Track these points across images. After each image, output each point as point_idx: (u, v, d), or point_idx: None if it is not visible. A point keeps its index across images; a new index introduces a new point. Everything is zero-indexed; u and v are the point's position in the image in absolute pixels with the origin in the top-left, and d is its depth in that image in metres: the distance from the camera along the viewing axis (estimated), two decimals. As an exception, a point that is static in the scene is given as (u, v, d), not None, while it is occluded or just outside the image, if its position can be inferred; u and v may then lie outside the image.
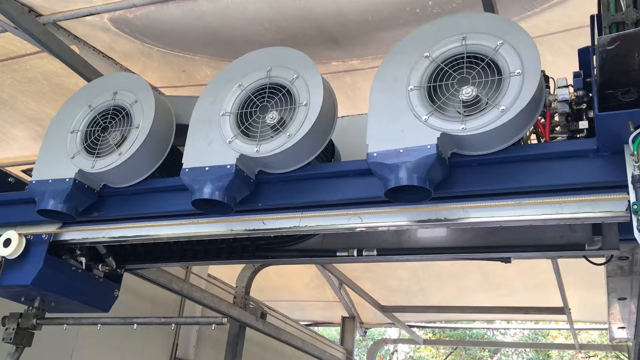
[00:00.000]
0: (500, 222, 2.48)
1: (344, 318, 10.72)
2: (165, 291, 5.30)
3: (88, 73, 4.76)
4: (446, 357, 18.53)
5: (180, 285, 5.27)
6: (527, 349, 17.88)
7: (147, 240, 3.05)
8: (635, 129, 2.07)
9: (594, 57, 2.15)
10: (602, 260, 3.03)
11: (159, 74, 5.91)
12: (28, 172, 7.33)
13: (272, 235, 3.08)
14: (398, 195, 2.40)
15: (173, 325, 3.23)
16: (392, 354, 18.11)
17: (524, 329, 15.51)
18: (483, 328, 15.41)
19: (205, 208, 2.69)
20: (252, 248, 3.37)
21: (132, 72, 5.71)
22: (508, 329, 16.66)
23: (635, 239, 1.99)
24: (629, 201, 2.06)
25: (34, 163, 7.37)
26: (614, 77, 2.05)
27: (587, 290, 8.19)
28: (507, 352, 18.12)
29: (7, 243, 3.09)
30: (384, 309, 9.57)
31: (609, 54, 1.95)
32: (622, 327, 4.70)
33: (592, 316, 9.92)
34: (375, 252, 3.08)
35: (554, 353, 17.82)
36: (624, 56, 2.00)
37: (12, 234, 3.11)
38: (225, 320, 2.92)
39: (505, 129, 2.28)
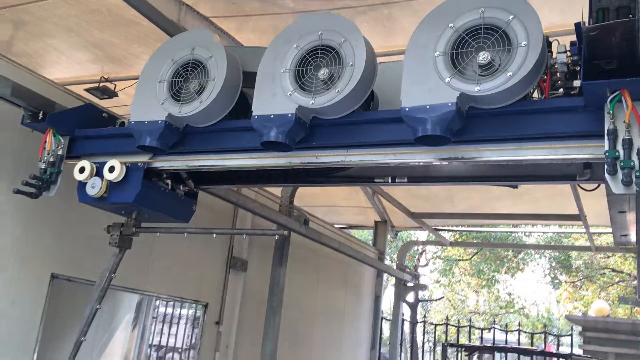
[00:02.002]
0: (506, 161, 3.14)
1: (376, 222, 11.64)
2: (222, 201, 6.15)
3: (144, 9, 5.40)
4: (471, 257, 19.67)
5: (236, 197, 6.10)
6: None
7: (222, 169, 3.81)
8: (612, 93, 2.66)
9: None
10: (593, 186, 3.69)
11: (210, 5, 6.46)
12: (90, 90, 8.12)
13: (322, 165, 3.78)
14: (424, 140, 3.06)
15: (245, 235, 4.02)
16: (421, 253, 19.28)
17: (545, 232, 16.31)
18: (506, 232, 16.30)
19: (271, 146, 3.39)
20: (304, 174, 4.12)
21: (187, 5, 6.30)
22: (531, 232, 17.52)
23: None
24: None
25: (95, 82, 8.11)
26: (597, 52, 2.62)
27: (603, 198, 8.82)
28: (530, 251, 19.11)
29: (111, 169, 3.88)
30: (413, 216, 10.39)
31: (593, 38, 2.52)
32: (625, 235, 5.42)
33: (607, 222, 10.58)
34: (406, 180, 3.79)
35: (573, 253, 18.79)
36: (604, 38, 2.56)
37: (115, 162, 3.89)
38: (286, 232, 3.71)
39: (512, 90, 2.88)
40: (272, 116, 3.30)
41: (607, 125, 2.71)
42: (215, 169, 3.84)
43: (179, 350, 8.15)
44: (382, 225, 11.60)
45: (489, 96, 2.90)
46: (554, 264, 19.88)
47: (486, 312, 22.09)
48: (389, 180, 3.82)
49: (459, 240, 15.84)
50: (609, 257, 18.56)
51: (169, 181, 4.14)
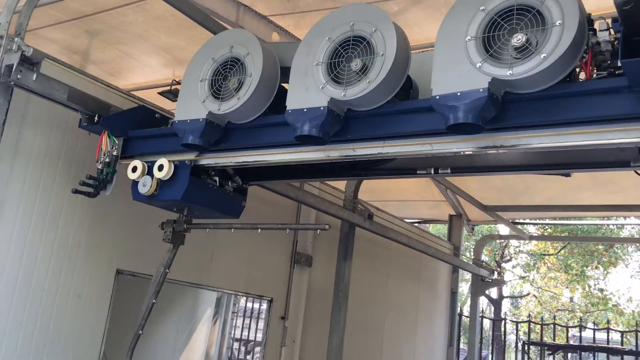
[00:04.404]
0: (547, 147, 2.95)
1: (451, 216, 11.35)
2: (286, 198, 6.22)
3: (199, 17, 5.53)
4: (558, 251, 18.73)
5: (295, 193, 6.15)
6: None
7: (262, 164, 3.85)
8: (656, 70, 2.44)
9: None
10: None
11: (267, 4, 6.54)
12: (162, 94, 8.44)
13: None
14: (457, 128, 2.93)
15: (287, 230, 4.04)
16: (503, 248, 18.60)
17: (635, 224, 15.25)
18: (595, 224, 15.37)
19: (306, 141, 3.38)
20: (348, 167, 4.08)
21: (245, 5, 6.41)
22: (624, 224, 16.44)
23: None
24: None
25: (166, 86, 8.43)
26: (635, 28, 2.40)
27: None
28: (623, 244, 17.90)
29: (160, 168, 4.02)
30: (486, 209, 10.04)
31: (627, 13, 2.31)
32: None
33: None
34: (449, 170, 3.66)
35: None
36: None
37: (163, 160, 4.03)
38: (327, 226, 3.69)
39: (547, 72, 2.70)
40: (305, 110, 3.29)
41: (654, 105, 2.49)
42: (256, 164, 3.88)
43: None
44: (457, 219, 11.29)
45: (523, 80, 2.74)
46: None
47: (575, 309, 20.99)
48: (432, 172, 3.70)
49: (544, 234, 15.14)
50: None
51: (216, 178, 4.23)
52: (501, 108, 2.90)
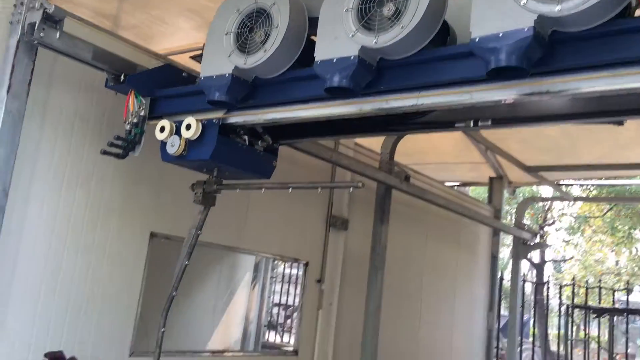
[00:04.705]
0: (599, 92, 2.69)
1: (491, 178, 11.02)
2: (321, 160, 6.07)
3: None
4: (604, 213, 18.11)
5: (329, 154, 5.99)
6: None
7: (292, 121, 3.69)
8: None
9: None
10: None
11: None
12: (194, 57, 8.34)
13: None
14: (501, 73, 2.70)
15: (319, 188, 3.90)
16: (546, 211, 18.10)
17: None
18: (643, 185, 14.74)
19: (336, 93, 3.20)
20: (382, 123, 3.88)
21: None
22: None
23: None
24: None
25: (198, 49, 8.32)
26: None
27: None
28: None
29: (188, 127, 3.91)
30: (529, 170, 9.69)
31: None
32: None
33: None
34: (489, 122, 3.42)
35: None
36: None
37: (191, 119, 3.91)
38: (360, 184, 3.52)
39: (601, 6, 2.43)
40: (334, 60, 3.10)
41: None
42: (286, 121, 3.72)
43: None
44: (498, 181, 10.95)
45: (574, 16, 2.47)
46: None
47: (622, 272, 20.39)
48: (471, 124, 3.47)
49: (589, 195, 14.63)
50: None
51: (245, 137, 4.10)
52: (548, 49, 2.65)
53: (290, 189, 3.88)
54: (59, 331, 4.35)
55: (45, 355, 3.70)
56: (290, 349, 6.84)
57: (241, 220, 5.95)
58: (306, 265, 6.77)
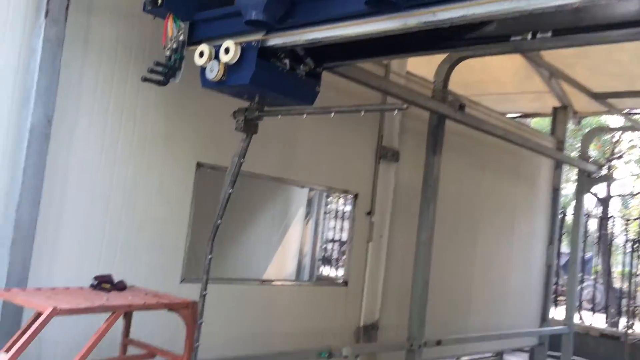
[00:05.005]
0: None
1: (555, 108, 10.46)
2: (370, 89, 5.83)
3: None
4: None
5: (378, 82, 5.74)
6: None
7: (333, 40, 3.46)
8: None
9: None
10: None
11: None
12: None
13: (446, 27, 3.25)
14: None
15: (363, 112, 3.71)
16: (615, 143, 17.13)
17: None
18: None
19: (377, 5, 2.96)
20: (430, 41, 3.60)
21: None
22: None
23: None
24: None
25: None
26: None
27: None
28: None
29: (227, 51, 3.76)
30: (596, 97, 9.10)
31: None
32: None
33: None
34: (549, 34, 3.10)
35: None
36: None
37: (229, 42, 3.75)
38: (405, 105, 3.32)
39: None
40: (376, -31, 2.85)
41: None
42: (326, 41, 3.50)
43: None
44: (562, 111, 10.37)
45: None
46: None
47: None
48: (529, 37, 3.15)
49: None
50: None
51: (286, 61, 3.91)
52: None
53: (333, 114, 3.70)
54: (110, 259, 4.44)
55: (95, 277, 3.78)
56: (341, 280, 6.85)
57: (289, 151, 5.85)
58: (355, 197, 6.66)
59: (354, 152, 6.57)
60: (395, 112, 3.22)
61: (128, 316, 4.00)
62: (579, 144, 11.98)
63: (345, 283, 6.61)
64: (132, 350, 4.04)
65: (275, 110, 4.15)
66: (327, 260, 10.67)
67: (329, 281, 8.23)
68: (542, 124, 16.13)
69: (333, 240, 12.62)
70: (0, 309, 3.57)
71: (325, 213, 12.30)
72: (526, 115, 11.96)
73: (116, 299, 3.50)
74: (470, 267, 8.49)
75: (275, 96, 4.02)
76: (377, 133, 6.79)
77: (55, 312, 2.94)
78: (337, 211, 12.26)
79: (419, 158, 7.04)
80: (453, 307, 8.16)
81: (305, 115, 3.94)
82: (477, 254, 8.62)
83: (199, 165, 5.02)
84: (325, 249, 12.50)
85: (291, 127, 5.77)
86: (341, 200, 8.71)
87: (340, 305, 6.48)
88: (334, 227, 11.87)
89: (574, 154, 11.82)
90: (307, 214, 10.66)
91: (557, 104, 10.33)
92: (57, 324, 4.02)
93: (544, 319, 10.20)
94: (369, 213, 6.73)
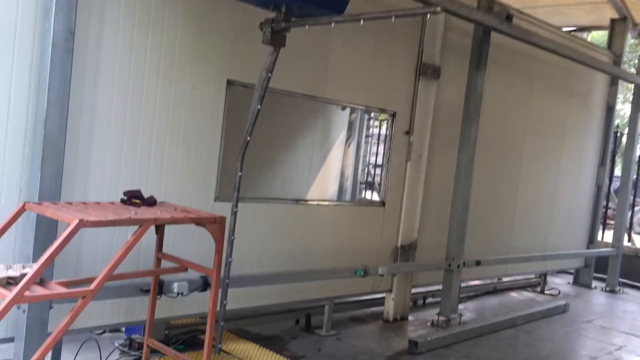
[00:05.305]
0: None
1: (612, 20, 9.76)
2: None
3: None
4: None
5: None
6: None
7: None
8: None
9: None
10: None
11: None
12: None
13: None
14: None
15: (393, 18, 3.48)
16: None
17: None
18: None
19: None
20: None
21: None
22: None
23: None
24: None
25: None
26: None
27: None
28: None
29: (248, -43, 3.56)
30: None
31: None
32: None
33: None
34: None
35: None
36: None
37: (251, -52, 3.55)
38: (438, 8, 3.07)
39: None
40: None
41: None
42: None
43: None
44: (620, 23, 9.67)
45: None
46: None
47: None
48: None
49: None
50: None
51: (314, -35, 3.70)
52: None
53: (362, 21, 3.50)
54: (144, 176, 4.46)
55: (125, 193, 3.81)
56: (378, 200, 6.78)
57: (322, 68, 5.65)
58: (393, 116, 6.46)
59: (392, 69, 6.31)
60: (428, 16, 3.00)
61: (161, 231, 4.05)
62: (639, 59, 11.22)
63: (383, 203, 6.53)
64: (165, 264, 4.12)
65: (302, 21, 3.96)
66: (369, 185, 10.60)
67: (366, 201, 8.20)
68: (599, 40, 15.16)
69: (375, 165, 12.52)
70: (35, 223, 3.65)
71: (366, 137, 12.15)
72: (581, 29, 11.23)
73: (144, 213, 3.53)
74: (514, 187, 8.26)
75: (302, 5, 3.84)
76: (417, 48, 6.48)
77: (82, 224, 2.98)
78: (379, 135, 12.07)
79: (462, 75, 6.73)
80: (495, 229, 8.03)
81: (333, 25, 3.74)
82: (522, 174, 8.35)
83: (230, 82, 4.92)
84: (367, 172, 12.44)
85: (324, 43, 5.55)
86: (384, 126, 8.51)
87: (377, 225, 6.44)
88: (376, 152, 11.73)
89: (633, 71, 11.10)
90: (349, 138, 10.54)
91: (615, 15, 9.64)
92: (93, 237, 4.14)
93: (592, 241, 9.97)
94: (408, 132, 6.54)
